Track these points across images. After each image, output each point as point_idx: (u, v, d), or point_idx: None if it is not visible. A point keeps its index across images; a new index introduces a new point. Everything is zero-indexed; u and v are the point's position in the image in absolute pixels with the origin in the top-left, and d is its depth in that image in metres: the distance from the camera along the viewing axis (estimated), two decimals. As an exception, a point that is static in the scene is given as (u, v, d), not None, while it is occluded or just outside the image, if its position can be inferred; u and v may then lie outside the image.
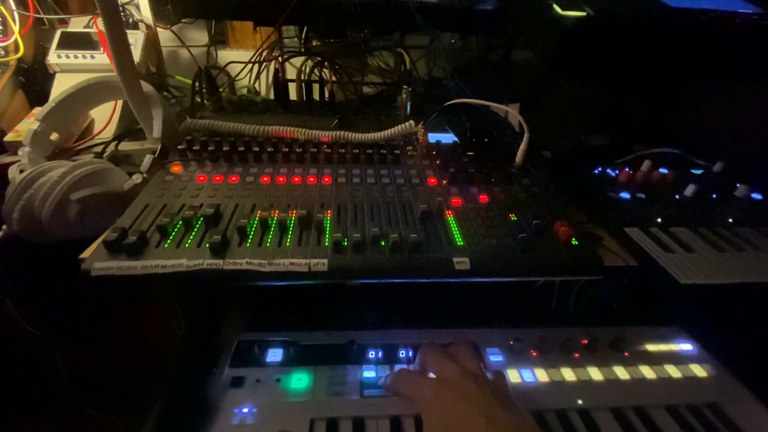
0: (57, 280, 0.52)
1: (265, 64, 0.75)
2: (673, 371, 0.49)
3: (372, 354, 0.49)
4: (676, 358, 0.51)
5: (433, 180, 0.50)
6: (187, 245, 0.37)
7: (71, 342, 0.55)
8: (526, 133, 0.52)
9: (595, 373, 0.48)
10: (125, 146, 0.57)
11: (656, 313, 0.59)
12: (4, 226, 0.46)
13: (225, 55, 0.88)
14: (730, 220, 0.50)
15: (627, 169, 0.56)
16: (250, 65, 0.72)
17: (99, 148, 0.57)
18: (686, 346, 0.53)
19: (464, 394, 0.37)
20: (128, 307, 0.61)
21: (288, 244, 0.38)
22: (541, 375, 0.48)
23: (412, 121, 0.56)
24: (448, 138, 0.60)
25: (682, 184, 0.54)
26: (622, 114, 0.71)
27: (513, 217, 0.44)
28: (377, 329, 0.52)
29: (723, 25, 0.58)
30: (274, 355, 0.48)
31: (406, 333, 0.51)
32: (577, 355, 0.51)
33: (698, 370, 0.50)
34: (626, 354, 0.52)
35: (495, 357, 0.50)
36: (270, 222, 0.40)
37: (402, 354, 0.49)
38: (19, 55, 0.61)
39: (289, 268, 0.35)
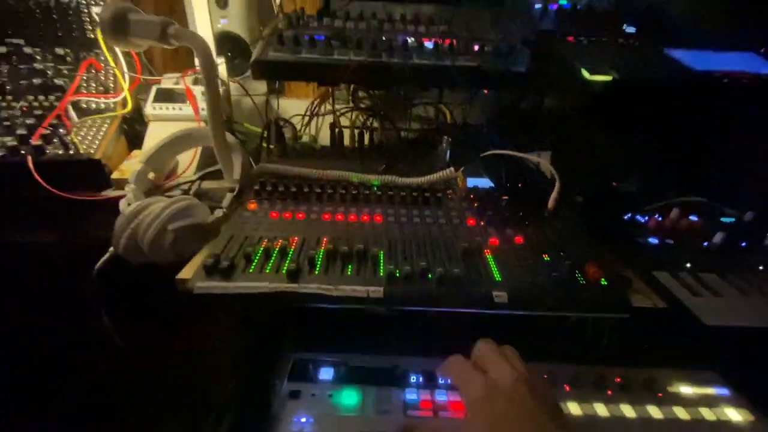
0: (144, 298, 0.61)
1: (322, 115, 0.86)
2: (708, 414, 0.50)
3: (413, 378, 0.53)
4: (711, 402, 0.52)
5: (472, 221, 0.56)
6: (267, 271, 0.44)
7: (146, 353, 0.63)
8: (557, 181, 0.58)
9: (628, 411, 0.50)
10: (206, 185, 0.68)
11: (692, 358, 0.60)
12: (110, 248, 0.56)
13: (281, 104, 1.01)
14: (761, 268, 0.53)
15: (656, 216, 0.60)
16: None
17: (185, 186, 0.67)
18: (722, 391, 0.54)
19: (518, 403, 0.36)
20: (193, 324, 0.69)
21: (349, 273, 0.45)
22: (575, 408, 0.50)
23: (452, 168, 0.63)
24: (484, 183, 0.66)
25: (711, 232, 0.57)
26: (651, 162, 0.75)
27: (546, 258, 0.49)
28: (419, 356, 0.56)
29: (746, 85, 0.62)
30: (326, 373, 0.53)
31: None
32: (610, 392, 0.53)
33: (734, 415, 0.51)
34: (660, 395, 0.53)
35: (529, 388, 0.53)
36: (333, 254, 0.47)
37: (441, 381, 0.53)
38: (128, 110, 0.74)
39: (352, 293, 0.42)
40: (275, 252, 0.47)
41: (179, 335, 0.65)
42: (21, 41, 0.72)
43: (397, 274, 0.44)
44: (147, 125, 0.80)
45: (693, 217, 0.61)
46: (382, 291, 0.42)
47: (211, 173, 0.72)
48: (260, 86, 1.01)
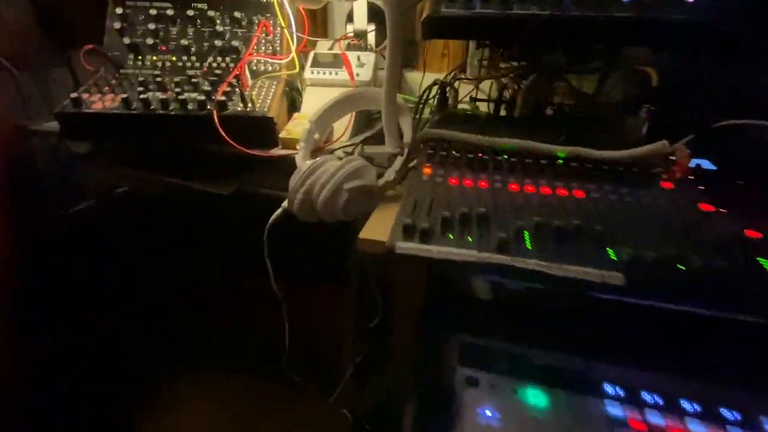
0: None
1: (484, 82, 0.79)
2: None
3: (610, 390, 0.44)
4: None
5: (705, 206, 0.44)
6: (470, 239, 0.39)
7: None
8: None
9: None
10: (367, 149, 0.65)
11: None
12: (284, 204, 0.56)
13: (412, 77, 1.00)
14: None
15: None
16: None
17: (348, 149, 0.65)
18: None
19: None
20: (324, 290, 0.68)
21: (568, 252, 0.37)
22: None
23: (665, 141, 0.51)
24: (705, 163, 0.53)
25: None
26: None
27: None
28: (611, 362, 0.47)
29: None
30: (502, 364, 0.47)
31: (650, 375, 0.45)
32: None
33: None
34: None
35: (781, 431, 0.40)
36: (544, 228, 0.39)
37: (647, 398, 0.43)
38: (295, 71, 0.75)
39: (583, 276, 0.34)
40: (473, 220, 0.41)
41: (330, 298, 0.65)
42: (204, 5, 0.76)
43: (637, 260, 0.35)
44: (303, 90, 0.81)
45: None
46: (622, 277, 0.34)
47: (369, 138, 0.70)
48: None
